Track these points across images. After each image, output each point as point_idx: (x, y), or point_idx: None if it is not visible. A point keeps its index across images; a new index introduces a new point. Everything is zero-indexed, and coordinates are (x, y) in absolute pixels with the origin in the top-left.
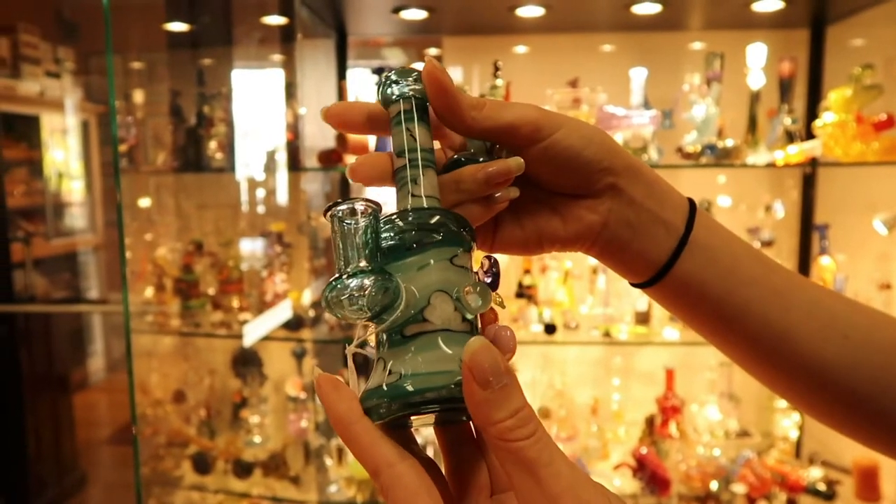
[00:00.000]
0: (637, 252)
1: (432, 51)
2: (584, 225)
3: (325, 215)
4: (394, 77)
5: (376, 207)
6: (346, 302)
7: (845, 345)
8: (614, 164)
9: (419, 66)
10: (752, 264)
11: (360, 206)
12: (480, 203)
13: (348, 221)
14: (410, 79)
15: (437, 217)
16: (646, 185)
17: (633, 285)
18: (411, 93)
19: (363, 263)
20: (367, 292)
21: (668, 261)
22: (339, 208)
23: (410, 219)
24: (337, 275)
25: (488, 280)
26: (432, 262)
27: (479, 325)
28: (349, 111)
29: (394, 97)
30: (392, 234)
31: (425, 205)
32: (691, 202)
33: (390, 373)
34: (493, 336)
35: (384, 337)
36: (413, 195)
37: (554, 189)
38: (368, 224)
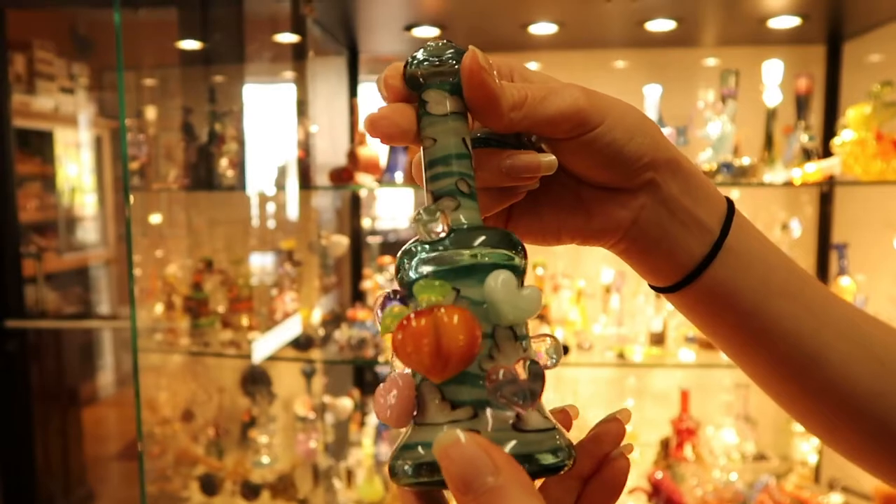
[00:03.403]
0: (665, 254)
1: None
2: (612, 221)
3: None
4: (421, 56)
5: None
6: None
7: (880, 371)
8: (657, 157)
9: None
10: (788, 276)
11: None
12: (493, 192)
13: None
14: (443, 61)
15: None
16: (684, 181)
17: (655, 289)
18: (444, 81)
19: None
20: None
21: (699, 266)
22: None
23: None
24: None
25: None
26: None
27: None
28: (396, 74)
29: (423, 85)
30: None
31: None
32: (729, 202)
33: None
34: None
35: None
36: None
37: (585, 180)
38: None
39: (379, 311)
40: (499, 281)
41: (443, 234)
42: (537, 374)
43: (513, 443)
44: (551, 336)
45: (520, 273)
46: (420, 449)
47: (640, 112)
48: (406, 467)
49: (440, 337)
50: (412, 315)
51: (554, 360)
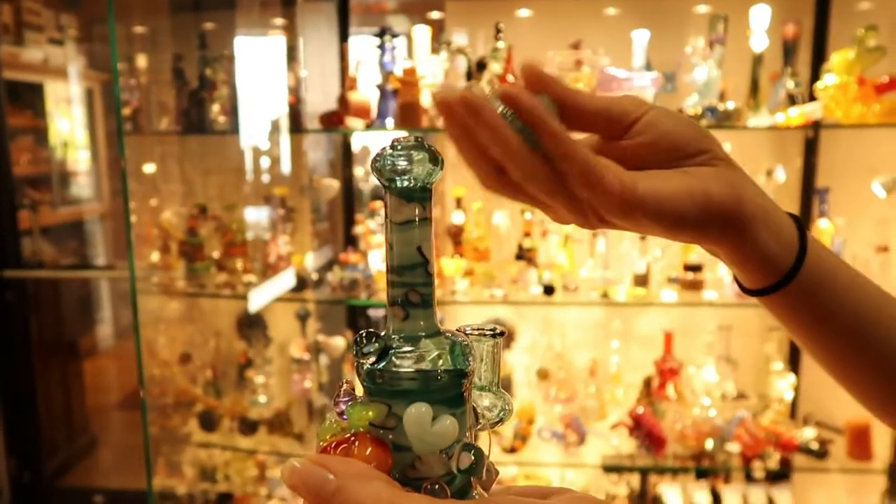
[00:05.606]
0: (766, 245)
1: (434, 14)
2: (724, 185)
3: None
4: (388, 156)
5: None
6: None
7: None
8: (709, 149)
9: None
10: (861, 277)
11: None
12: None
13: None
14: (405, 166)
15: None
16: (758, 190)
17: (750, 292)
18: (407, 186)
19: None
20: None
21: (796, 261)
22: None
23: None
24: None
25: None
26: None
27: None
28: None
29: (385, 185)
30: None
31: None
32: (794, 217)
33: None
34: None
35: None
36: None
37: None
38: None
39: (335, 403)
40: (413, 416)
41: (372, 362)
42: (437, 492)
43: None
44: (475, 446)
45: (455, 390)
46: None
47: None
48: None
49: None
50: (332, 445)
51: (474, 466)
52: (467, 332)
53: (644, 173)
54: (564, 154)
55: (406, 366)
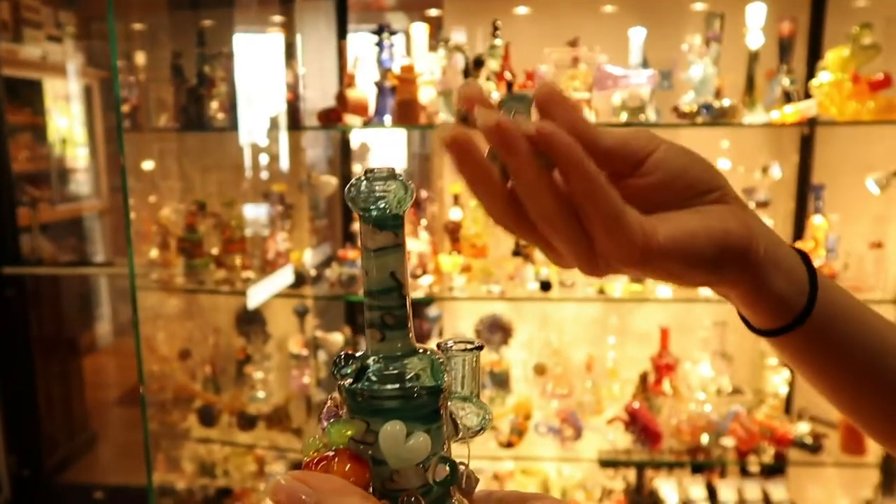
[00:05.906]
0: (778, 285)
1: (433, 12)
2: (739, 224)
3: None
4: (364, 185)
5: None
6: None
7: None
8: (721, 186)
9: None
10: (868, 310)
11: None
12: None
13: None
14: (378, 195)
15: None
16: (766, 230)
17: (761, 332)
18: (380, 215)
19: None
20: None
21: (808, 301)
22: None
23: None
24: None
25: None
26: None
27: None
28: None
29: (360, 215)
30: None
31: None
32: (801, 253)
33: None
34: None
35: None
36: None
37: (661, 205)
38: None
39: (320, 420)
40: (387, 434)
41: (351, 381)
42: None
43: None
44: (449, 459)
45: (431, 406)
46: None
47: (690, 150)
48: None
49: None
50: (314, 461)
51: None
52: (449, 346)
53: (661, 217)
54: (594, 196)
55: (384, 385)
